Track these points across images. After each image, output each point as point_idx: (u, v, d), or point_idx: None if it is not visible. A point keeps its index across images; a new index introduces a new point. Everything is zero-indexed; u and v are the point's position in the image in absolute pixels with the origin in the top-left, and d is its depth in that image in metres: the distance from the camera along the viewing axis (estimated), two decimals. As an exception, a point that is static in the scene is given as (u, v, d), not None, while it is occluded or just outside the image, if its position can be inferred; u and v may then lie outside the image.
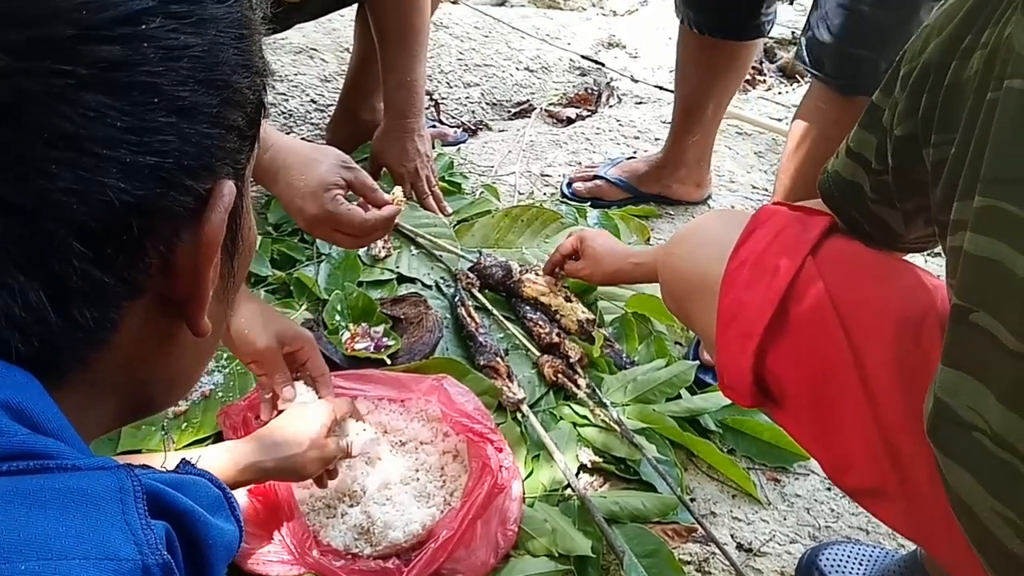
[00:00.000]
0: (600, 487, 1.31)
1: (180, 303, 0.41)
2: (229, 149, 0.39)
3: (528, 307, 1.53)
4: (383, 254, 1.63)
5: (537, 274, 1.56)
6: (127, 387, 0.43)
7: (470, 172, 2.01)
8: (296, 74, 2.40)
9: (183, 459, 0.44)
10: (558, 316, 1.50)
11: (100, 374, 0.40)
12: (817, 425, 0.89)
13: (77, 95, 0.33)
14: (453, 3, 3.00)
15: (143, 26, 0.34)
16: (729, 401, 1.07)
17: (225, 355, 1.40)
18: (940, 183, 0.74)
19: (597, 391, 1.41)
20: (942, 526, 0.78)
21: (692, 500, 1.29)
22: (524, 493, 1.24)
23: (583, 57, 2.59)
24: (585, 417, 1.38)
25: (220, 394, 1.35)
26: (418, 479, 1.23)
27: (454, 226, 1.73)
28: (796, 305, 0.86)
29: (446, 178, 1.90)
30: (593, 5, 3.27)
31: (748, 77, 2.67)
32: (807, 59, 1.41)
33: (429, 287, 1.61)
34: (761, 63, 2.73)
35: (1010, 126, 0.62)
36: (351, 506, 1.17)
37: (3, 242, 0.34)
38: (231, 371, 1.38)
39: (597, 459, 1.32)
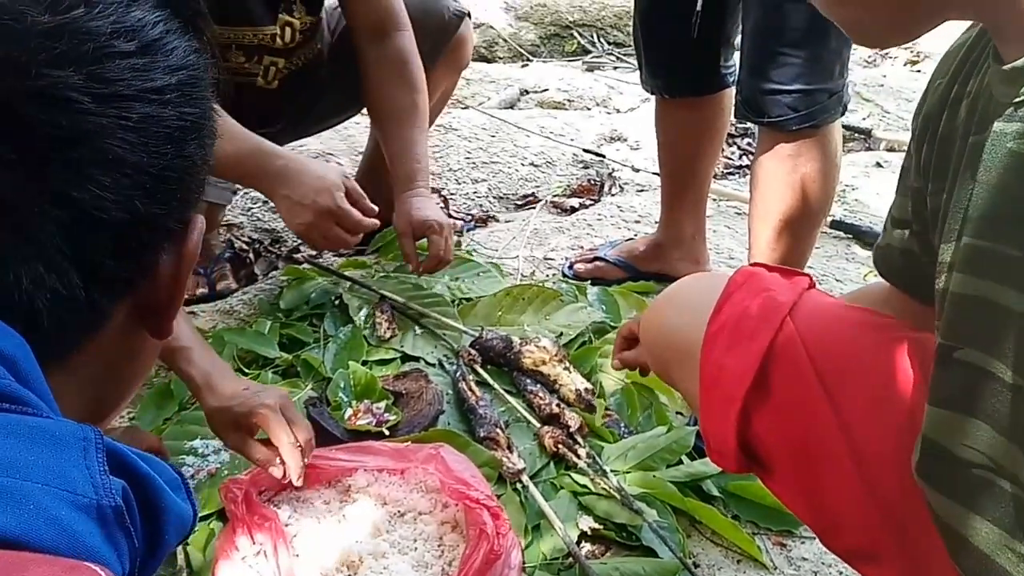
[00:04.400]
0: (602, 555, 1.29)
1: (154, 308, 0.50)
2: (197, 196, 0.53)
3: (528, 379, 1.56)
4: (388, 335, 1.67)
5: (537, 346, 1.59)
6: (94, 384, 0.50)
7: (476, 256, 2.08)
8: (312, 176, 2.52)
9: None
10: (557, 386, 1.52)
11: (83, 362, 0.47)
12: (804, 488, 0.87)
13: (126, 133, 0.45)
14: (463, 108, 3.16)
15: (167, 97, 0.48)
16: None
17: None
18: (937, 231, 0.75)
19: (597, 459, 1.41)
20: None
21: (696, 566, 1.27)
22: (524, 562, 1.23)
23: (585, 151, 2.69)
24: (585, 486, 1.38)
25: (226, 472, 1.38)
26: (416, 548, 1.23)
27: (456, 304, 1.78)
28: (776, 367, 0.85)
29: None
30: (598, 104, 3.42)
31: (748, 163, 2.76)
32: (747, 112, 1.53)
33: (432, 365, 1.64)
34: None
35: (995, 166, 0.64)
36: None
37: (56, 236, 0.43)
38: (237, 450, 1.41)
39: (598, 527, 1.31)
